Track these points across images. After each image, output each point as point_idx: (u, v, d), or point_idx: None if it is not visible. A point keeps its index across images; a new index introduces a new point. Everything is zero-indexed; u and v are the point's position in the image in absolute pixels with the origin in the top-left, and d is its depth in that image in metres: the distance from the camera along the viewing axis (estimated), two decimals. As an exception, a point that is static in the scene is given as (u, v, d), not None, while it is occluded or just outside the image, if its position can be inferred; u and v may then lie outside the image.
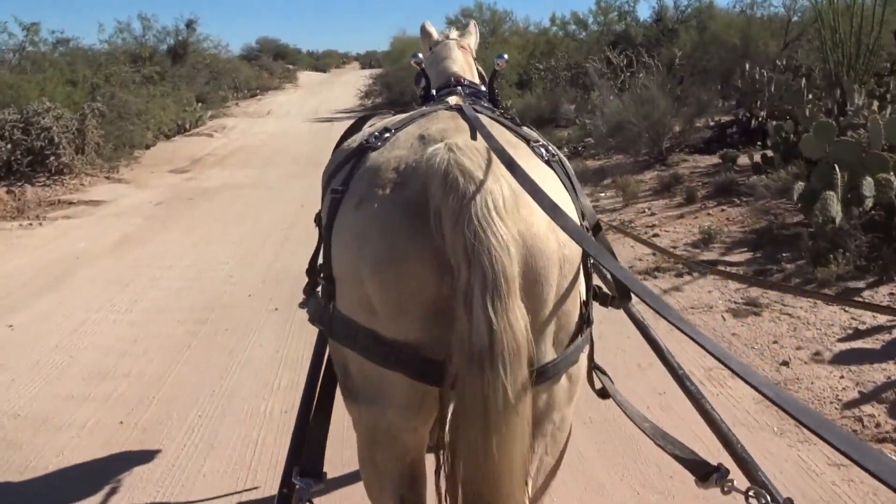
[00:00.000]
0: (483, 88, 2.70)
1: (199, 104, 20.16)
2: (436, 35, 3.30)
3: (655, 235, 6.56)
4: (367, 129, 1.85)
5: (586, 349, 1.63)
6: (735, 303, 4.82)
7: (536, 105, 15.29)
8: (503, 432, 1.24)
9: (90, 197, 10.43)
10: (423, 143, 1.51)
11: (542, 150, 1.65)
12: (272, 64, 41.06)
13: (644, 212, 7.55)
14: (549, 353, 1.47)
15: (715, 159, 9.54)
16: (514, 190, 1.35)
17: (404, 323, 1.40)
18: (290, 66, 45.00)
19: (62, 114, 11.47)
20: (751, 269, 5.42)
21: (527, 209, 1.37)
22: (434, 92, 2.62)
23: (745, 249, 5.87)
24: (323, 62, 59.16)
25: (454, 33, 3.29)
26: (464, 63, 2.95)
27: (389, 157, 1.51)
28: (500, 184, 1.32)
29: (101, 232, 8.25)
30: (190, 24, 25.81)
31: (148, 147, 15.36)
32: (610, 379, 1.92)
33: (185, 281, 6.23)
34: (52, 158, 10.96)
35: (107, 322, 5.27)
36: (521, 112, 15.31)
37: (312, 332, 1.87)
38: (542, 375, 1.44)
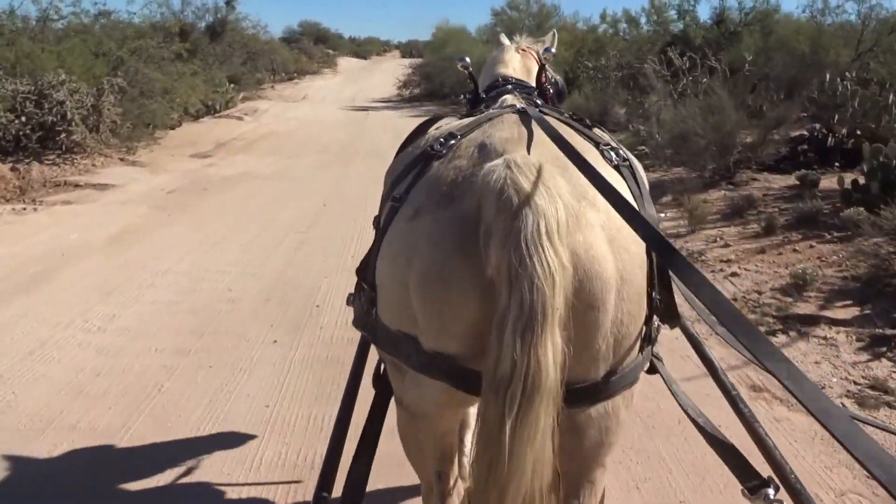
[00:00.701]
0: (532, 84, 2.64)
1: (232, 85, 19.30)
2: (506, 42, 3.21)
3: (734, 275, 5.46)
4: (433, 133, 1.75)
5: (645, 366, 1.55)
6: (855, 383, 3.73)
7: (584, 105, 14.14)
8: (511, 464, 1.18)
9: (99, 180, 9.57)
10: (483, 154, 1.46)
11: (613, 153, 1.59)
12: (312, 48, 40.22)
13: (715, 241, 6.44)
14: (600, 374, 1.38)
15: (789, 180, 8.37)
16: (573, 212, 1.29)
17: (447, 338, 1.38)
18: (330, 52, 44.16)
19: (79, 87, 10.63)
20: (863, 331, 4.31)
21: (588, 230, 1.32)
22: (483, 94, 2.60)
23: (850, 302, 4.76)
24: (364, 49, 58.33)
25: (525, 41, 3.19)
26: (518, 65, 2.89)
27: (449, 169, 1.47)
28: (556, 205, 1.25)
29: (99, 222, 7.36)
30: (230, 2, 25.04)
31: (173, 128, 14.54)
32: (661, 361, 1.73)
33: (177, 293, 5.28)
34: (63, 135, 10.11)
35: (71, 344, 4.33)
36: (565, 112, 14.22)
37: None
38: (591, 394, 1.38)
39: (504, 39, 3.28)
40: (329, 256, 6.29)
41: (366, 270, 1.67)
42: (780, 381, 0.93)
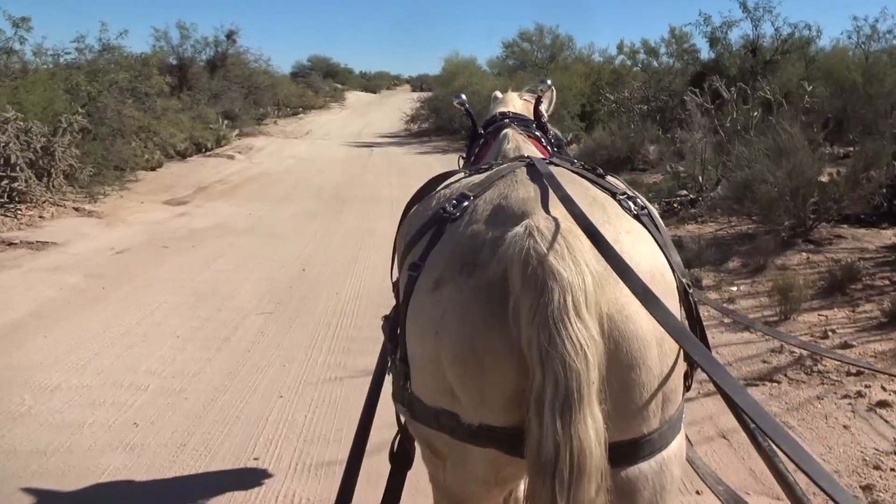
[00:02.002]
0: (529, 118, 2.64)
1: (226, 121, 17.73)
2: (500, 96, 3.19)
3: (883, 405, 3.63)
4: (443, 193, 1.62)
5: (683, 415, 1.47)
6: None
7: (609, 142, 12.43)
8: None
9: (39, 236, 7.87)
10: (502, 217, 1.39)
11: (631, 203, 1.50)
12: (319, 82, 38.90)
13: (825, 334, 4.63)
14: (648, 429, 1.32)
15: (884, 237, 6.58)
16: (600, 278, 1.24)
17: (488, 409, 1.31)
18: (339, 86, 42.86)
19: (30, 127, 9.00)
20: None
21: (616, 289, 1.26)
22: (481, 130, 2.62)
23: None
24: (374, 83, 57.16)
25: (526, 95, 3.11)
26: (517, 105, 2.87)
27: (467, 234, 1.40)
28: (583, 275, 1.20)
29: (6, 299, 5.64)
30: (230, 36, 23.74)
31: (153, 169, 12.93)
32: (691, 443, 1.75)
33: (52, 432, 3.52)
34: (5, 182, 8.46)
35: None
36: (590, 151, 12.48)
37: None
38: (644, 449, 1.31)
39: (500, 95, 3.22)
40: (293, 361, 4.53)
41: (395, 341, 1.61)
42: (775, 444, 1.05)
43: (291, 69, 48.14)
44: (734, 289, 5.62)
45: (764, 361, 4.25)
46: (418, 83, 56.57)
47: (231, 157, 15.43)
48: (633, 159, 12.32)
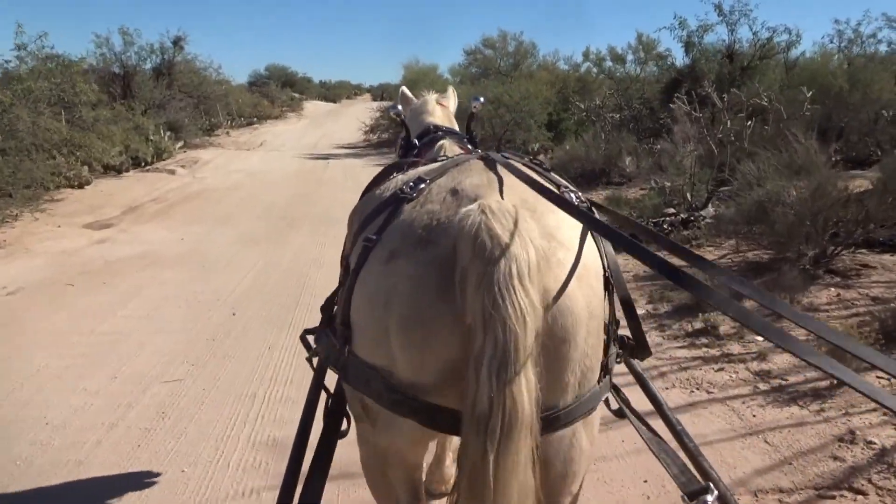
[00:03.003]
0: (459, 131, 2.78)
1: (169, 133, 16.29)
2: (414, 99, 3.29)
3: None
4: (400, 178, 1.71)
5: (604, 396, 1.57)
6: None
7: (583, 154, 11.38)
8: (497, 495, 1.22)
9: (-87, 274, 6.49)
10: (456, 199, 1.47)
11: (572, 195, 1.62)
12: (276, 92, 37.42)
13: (899, 413, 3.56)
14: (567, 402, 1.43)
15: (917, 266, 5.60)
16: (544, 254, 1.34)
17: (423, 377, 1.38)
18: (297, 95, 41.40)
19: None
20: None
21: (558, 268, 1.37)
22: (416, 141, 2.65)
23: None
24: (334, 92, 55.83)
25: (434, 96, 3.24)
26: (442, 116, 2.99)
27: (422, 212, 1.47)
28: (528, 249, 1.29)
29: None
30: (177, 42, 22.20)
31: (81, 186, 11.51)
32: (627, 399, 1.80)
33: None
34: None
35: None
36: (562, 163, 11.42)
37: None
38: (558, 422, 1.41)
39: (409, 93, 3.35)
40: (195, 463, 3.30)
41: (335, 305, 1.69)
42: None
43: (249, 78, 46.68)
44: (761, 339, 4.54)
45: (835, 457, 3.14)
46: (379, 92, 55.33)
47: (172, 172, 14.02)
48: (609, 172, 11.29)
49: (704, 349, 4.58)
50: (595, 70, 22.03)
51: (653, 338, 4.75)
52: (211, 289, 6.30)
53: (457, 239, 1.32)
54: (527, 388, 1.23)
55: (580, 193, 1.67)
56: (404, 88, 3.40)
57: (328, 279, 6.20)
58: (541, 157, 17.87)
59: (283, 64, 52.82)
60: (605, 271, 1.51)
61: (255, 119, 28.41)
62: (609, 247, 1.59)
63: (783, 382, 3.97)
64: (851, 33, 13.11)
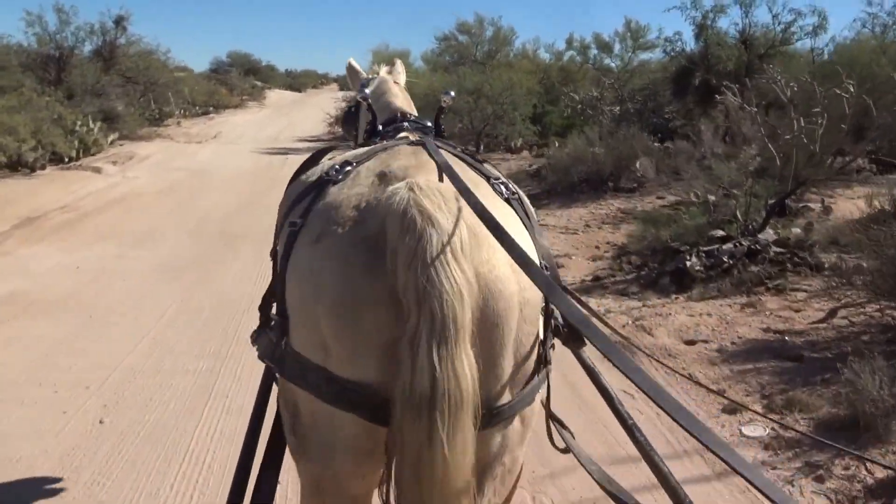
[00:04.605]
0: (429, 123, 2.42)
1: (99, 123, 13.86)
2: (363, 73, 3.13)
3: None
4: (326, 162, 1.64)
5: (542, 390, 1.52)
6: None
7: (589, 156, 9.35)
8: (441, 481, 1.16)
9: None
10: (384, 180, 1.41)
11: (503, 187, 1.57)
12: (237, 80, 34.79)
13: None
14: (504, 395, 1.36)
15: None
16: (475, 232, 1.28)
17: (359, 363, 1.29)
18: (259, 84, 38.76)
19: None
20: None
21: (489, 250, 1.30)
22: (381, 127, 2.35)
23: None
24: (299, 81, 53.08)
25: (383, 70, 3.06)
26: (403, 98, 2.77)
27: (350, 194, 1.40)
28: (460, 225, 1.24)
29: None
30: (120, 22, 19.66)
31: (-26, 189, 9.17)
32: (571, 433, 1.76)
33: None
34: None
35: None
36: (563, 167, 9.41)
37: None
38: (497, 417, 1.35)
39: (357, 66, 3.17)
40: None
41: (271, 301, 1.61)
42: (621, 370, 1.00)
43: (210, 66, 43.87)
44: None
45: None
46: (345, 81, 52.92)
47: (98, 171, 11.65)
48: (618, 177, 9.30)
49: None
50: (579, 59, 20.15)
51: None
52: (87, 361, 4.17)
53: (385, 217, 1.25)
54: (468, 364, 1.16)
55: (512, 185, 1.61)
56: (352, 60, 3.19)
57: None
58: (523, 152, 15.93)
59: (246, 51, 49.93)
60: (539, 260, 1.44)
61: (212, 108, 25.87)
62: (545, 240, 1.57)
63: None
64: (886, 17, 11.29)
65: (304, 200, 1.47)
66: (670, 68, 12.06)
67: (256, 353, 1.62)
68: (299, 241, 1.40)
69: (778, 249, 5.69)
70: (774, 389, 3.52)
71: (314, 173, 1.59)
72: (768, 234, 6.00)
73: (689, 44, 11.77)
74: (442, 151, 1.57)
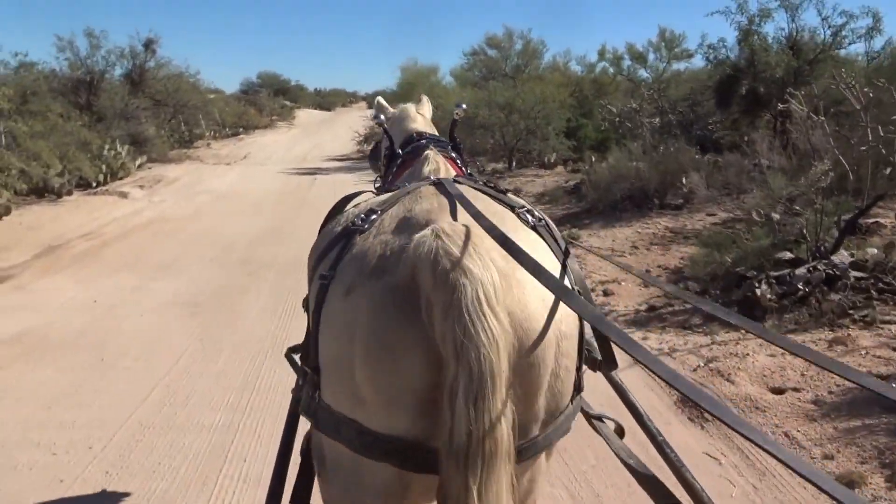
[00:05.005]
0: (445, 140, 2.52)
1: (130, 147, 13.63)
2: (389, 109, 3.08)
3: None
4: (351, 210, 1.66)
5: (576, 416, 1.52)
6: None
7: (633, 172, 8.76)
8: None
9: None
10: (408, 226, 1.41)
11: (528, 215, 1.56)
12: (266, 100, 34.77)
13: None
14: (540, 428, 1.37)
15: None
16: (505, 273, 1.28)
17: (394, 414, 1.29)
18: (288, 103, 38.74)
19: None
20: None
21: (519, 289, 1.30)
22: (399, 150, 2.44)
23: None
24: (328, 100, 53.12)
25: (410, 105, 3.04)
26: (423, 123, 2.80)
27: (376, 243, 1.41)
28: (490, 271, 1.22)
29: None
30: (149, 45, 19.56)
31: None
32: (616, 423, 1.76)
33: None
34: None
35: None
36: (604, 184, 8.83)
37: None
38: (531, 449, 1.36)
39: (384, 103, 3.13)
40: None
41: (307, 354, 1.58)
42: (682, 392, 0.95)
43: (240, 87, 44.08)
44: None
45: None
46: (374, 99, 52.88)
47: (124, 196, 11.38)
48: (664, 193, 8.69)
49: None
50: (612, 70, 19.58)
51: None
52: (92, 415, 3.73)
53: (415, 266, 1.25)
54: (504, 416, 1.17)
55: (538, 211, 1.61)
56: (380, 99, 3.19)
57: (284, 398, 3.63)
58: (557, 168, 15.35)
59: (275, 72, 50.09)
60: (573, 287, 1.47)
61: (242, 129, 25.74)
62: (575, 264, 1.56)
63: None
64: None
65: (332, 252, 1.48)
66: (713, 77, 11.40)
67: (290, 407, 1.67)
68: (330, 294, 1.39)
69: (858, 274, 5.06)
70: (896, 455, 2.91)
71: (339, 223, 1.59)
72: (843, 256, 5.37)
73: (734, 51, 11.13)
74: (462, 188, 1.57)
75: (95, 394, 4.04)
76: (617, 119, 11.91)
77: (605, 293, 6.10)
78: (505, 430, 1.16)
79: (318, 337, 1.42)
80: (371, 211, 1.52)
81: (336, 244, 1.49)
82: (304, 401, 1.51)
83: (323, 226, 1.80)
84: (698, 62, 15.55)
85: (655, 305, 5.58)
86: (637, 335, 4.95)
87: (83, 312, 5.59)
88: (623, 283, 6.32)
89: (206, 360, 4.56)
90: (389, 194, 1.65)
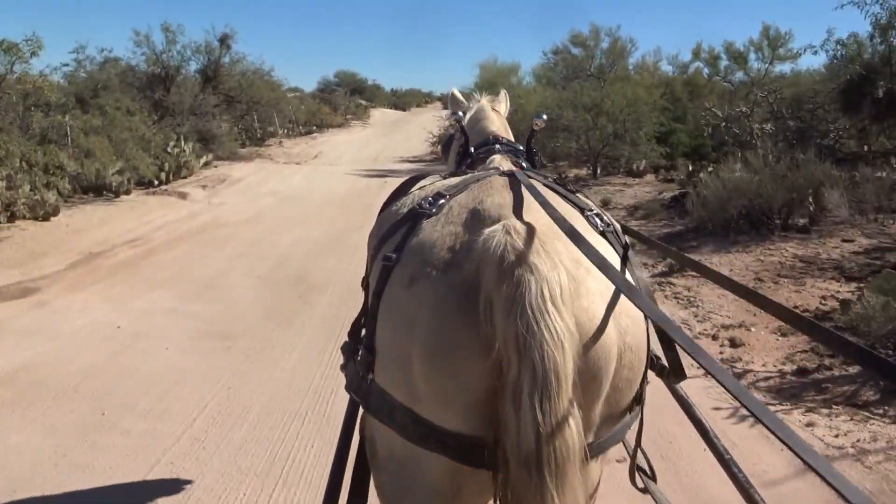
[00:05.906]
0: (521, 147, 2.44)
1: (196, 144, 12.96)
2: (464, 102, 3.11)
3: None
4: (418, 192, 1.58)
5: (634, 426, 1.45)
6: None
7: (753, 187, 7.31)
8: None
9: None
10: (478, 219, 1.33)
11: (598, 219, 1.48)
12: (341, 99, 34.25)
13: None
14: (595, 435, 1.31)
15: None
16: (575, 276, 1.21)
17: (450, 410, 1.23)
18: (363, 102, 38.17)
19: None
20: None
21: (588, 297, 1.23)
22: (472, 149, 2.38)
23: None
24: (404, 100, 52.46)
25: (485, 99, 2.99)
26: (500, 124, 2.73)
27: (444, 233, 1.33)
28: (559, 271, 1.16)
29: None
30: (224, 40, 19.04)
31: (46, 217, 8.22)
32: (653, 477, 1.70)
33: None
34: None
35: None
36: (719, 200, 7.45)
37: None
38: (590, 452, 1.27)
39: (459, 95, 3.16)
40: None
41: (360, 333, 1.57)
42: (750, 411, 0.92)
43: (318, 85, 43.94)
44: None
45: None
46: (449, 95, 51.92)
47: (183, 196, 10.64)
48: (790, 212, 7.23)
49: None
50: (707, 71, 17.94)
51: None
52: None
53: (480, 262, 1.19)
54: (573, 416, 1.10)
55: (607, 216, 1.53)
56: (454, 90, 3.20)
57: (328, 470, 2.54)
58: (647, 176, 13.89)
59: (353, 70, 49.77)
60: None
61: (316, 128, 25.14)
62: (642, 272, 1.48)
63: None
64: None
65: (398, 233, 1.42)
66: (838, 77, 9.74)
67: (347, 409, 1.68)
68: (393, 280, 1.33)
69: None
70: None
71: (405, 204, 1.54)
72: None
73: (866, 48, 9.46)
74: (534, 182, 1.50)
75: (78, 472, 3.06)
76: (723, 124, 10.41)
77: (733, 343, 4.79)
78: (574, 432, 1.09)
79: (375, 320, 1.34)
80: (439, 195, 1.44)
81: (402, 226, 1.42)
82: (353, 379, 1.46)
83: (385, 206, 1.72)
84: (807, 61, 13.86)
85: (807, 368, 4.24)
86: (794, 416, 3.65)
87: (100, 343, 4.67)
88: (753, 330, 4.99)
89: (229, 423, 3.52)
90: (458, 179, 1.57)
